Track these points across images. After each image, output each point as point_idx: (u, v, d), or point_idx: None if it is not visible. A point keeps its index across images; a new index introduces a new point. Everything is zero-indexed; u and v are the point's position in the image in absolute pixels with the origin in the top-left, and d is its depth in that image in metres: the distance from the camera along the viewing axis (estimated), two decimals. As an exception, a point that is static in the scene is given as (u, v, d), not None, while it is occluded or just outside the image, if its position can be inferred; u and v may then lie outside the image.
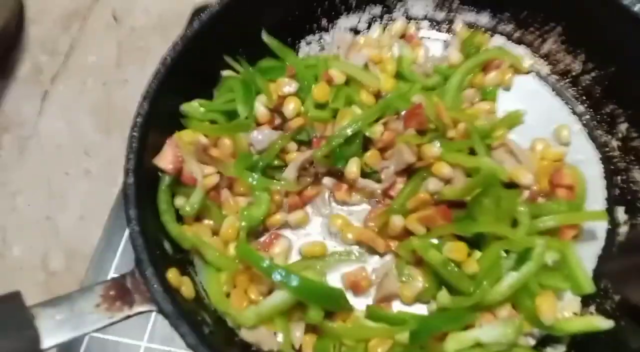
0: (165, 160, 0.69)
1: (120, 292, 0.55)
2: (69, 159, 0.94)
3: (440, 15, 0.88)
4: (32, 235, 0.88)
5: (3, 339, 0.46)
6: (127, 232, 0.85)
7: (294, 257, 0.74)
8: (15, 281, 0.85)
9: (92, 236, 0.86)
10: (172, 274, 0.62)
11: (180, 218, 0.72)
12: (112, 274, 0.83)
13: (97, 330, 0.53)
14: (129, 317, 0.55)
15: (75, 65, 1.03)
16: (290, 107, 0.75)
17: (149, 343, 0.77)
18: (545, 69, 0.85)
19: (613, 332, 0.64)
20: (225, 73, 0.81)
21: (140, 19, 1.07)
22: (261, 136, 0.75)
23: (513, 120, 0.79)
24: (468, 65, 0.82)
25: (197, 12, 0.99)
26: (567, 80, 0.83)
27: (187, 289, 0.64)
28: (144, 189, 0.64)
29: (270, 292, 0.66)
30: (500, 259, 0.66)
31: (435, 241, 0.67)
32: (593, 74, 0.81)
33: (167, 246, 0.67)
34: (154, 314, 0.75)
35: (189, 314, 0.59)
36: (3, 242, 0.88)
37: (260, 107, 0.76)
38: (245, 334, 0.65)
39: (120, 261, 0.83)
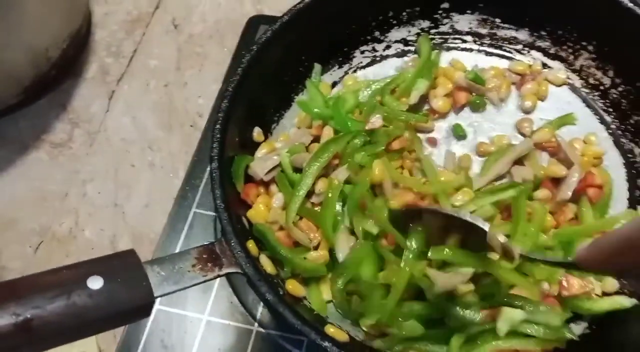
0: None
1: (211, 256, 0.63)
2: (134, 152, 1.03)
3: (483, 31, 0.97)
4: (101, 219, 0.96)
5: (125, 289, 0.54)
6: (189, 220, 0.94)
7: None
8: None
9: (157, 222, 0.95)
10: (252, 245, 0.71)
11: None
12: (176, 256, 0.91)
13: (194, 285, 0.61)
14: (219, 276, 0.63)
15: (139, 67, 1.13)
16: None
17: (210, 317, 0.85)
18: (577, 82, 0.94)
19: (635, 310, 0.72)
20: None
21: (198, 26, 1.16)
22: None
23: (565, 120, 0.88)
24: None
25: (252, 20, 1.09)
26: (597, 93, 0.92)
27: (266, 263, 0.73)
28: (226, 173, 0.74)
29: None
30: None
31: None
32: (620, 89, 0.90)
33: (245, 221, 0.76)
34: (214, 290, 0.86)
35: (267, 277, 0.69)
36: (75, 225, 0.96)
37: None
38: None
39: (183, 245, 0.91)
